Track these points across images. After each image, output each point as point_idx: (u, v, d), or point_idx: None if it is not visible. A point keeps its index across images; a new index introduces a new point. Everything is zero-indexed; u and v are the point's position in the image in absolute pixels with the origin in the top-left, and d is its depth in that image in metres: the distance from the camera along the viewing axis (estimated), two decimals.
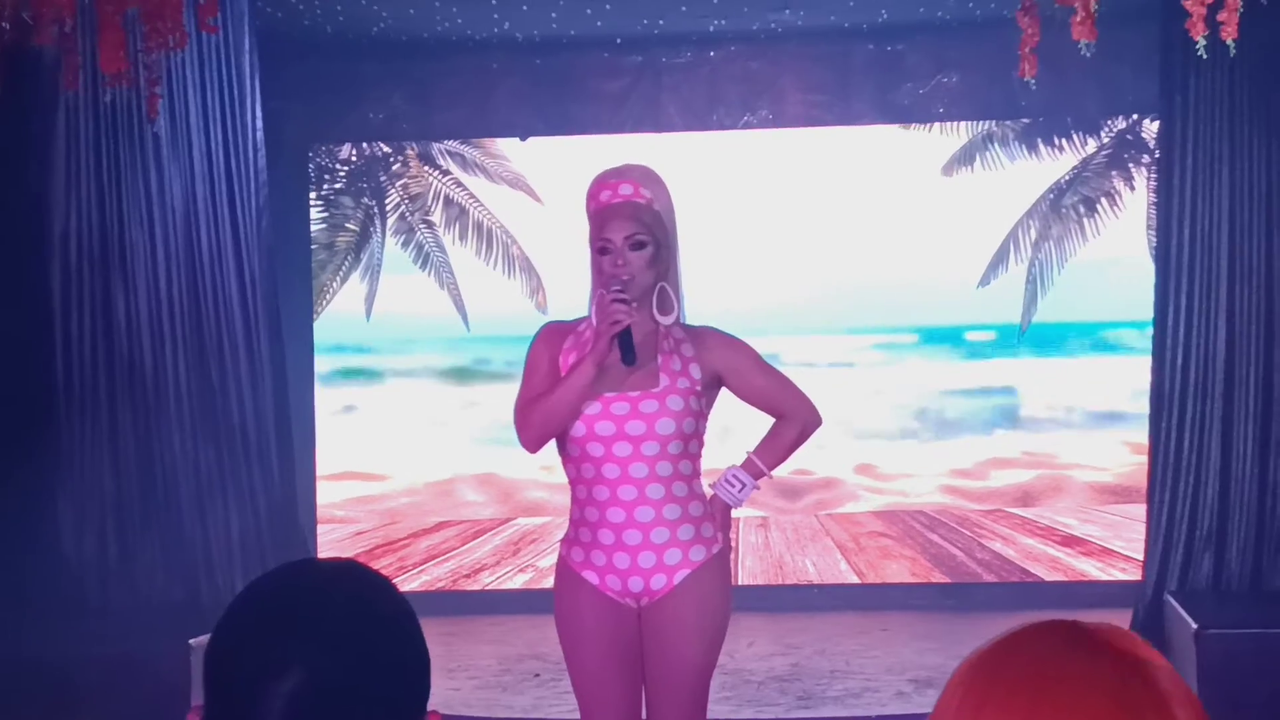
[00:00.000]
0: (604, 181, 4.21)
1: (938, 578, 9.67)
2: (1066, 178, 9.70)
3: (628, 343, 4.02)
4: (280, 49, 8.90)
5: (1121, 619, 7.57)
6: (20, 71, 7.06)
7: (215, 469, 8.11)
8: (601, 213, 4.17)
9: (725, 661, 4.80)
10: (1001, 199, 9.70)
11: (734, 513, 4.35)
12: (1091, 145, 9.69)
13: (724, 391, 4.33)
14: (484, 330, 9.98)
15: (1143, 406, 8.49)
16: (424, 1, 8.77)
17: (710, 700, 4.32)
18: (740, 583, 9.19)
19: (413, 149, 10.02)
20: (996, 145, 9.76)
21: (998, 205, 9.70)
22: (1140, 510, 8.59)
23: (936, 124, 9.73)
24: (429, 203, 10.00)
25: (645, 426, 4.10)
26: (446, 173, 9.99)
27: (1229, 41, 5.43)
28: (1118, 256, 9.62)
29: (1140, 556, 8.47)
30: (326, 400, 9.90)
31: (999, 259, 9.75)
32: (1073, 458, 9.84)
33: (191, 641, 6.63)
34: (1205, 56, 5.70)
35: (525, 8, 8.89)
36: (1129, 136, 9.67)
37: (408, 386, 10.12)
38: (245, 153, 8.31)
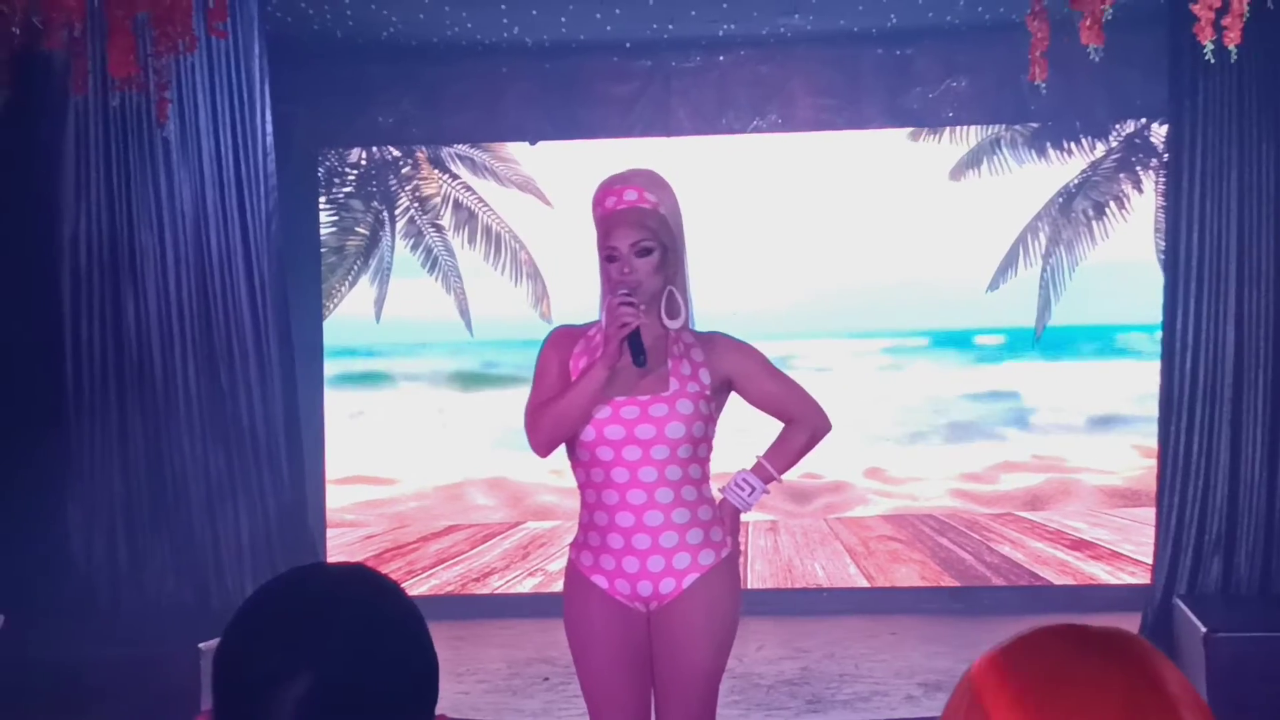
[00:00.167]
0: (609, 188, 4.21)
1: (947, 581, 9.67)
2: (1075, 182, 9.70)
3: (637, 344, 4.02)
4: (290, 53, 8.91)
5: (1130, 623, 7.56)
6: (30, 76, 7.08)
7: (225, 472, 8.12)
8: (607, 220, 4.17)
9: (734, 665, 4.80)
10: (1010, 203, 9.70)
11: (743, 516, 4.35)
12: (1100, 150, 9.68)
13: (733, 396, 4.33)
14: (494, 334, 9.98)
15: (1152, 410, 8.48)
16: (433, 6, 8.78)
17: (719, 704, 4.32)
18: (749, 586, 9.19)
19: (422, 152, 10.03)
20: (1005, 149, 9.76)
21: (1006, 209, 9.69)
22: (1149, 514, 8.58)
23: (946, 136, 9.73)
24: (438, 207, 10.01)
25: (655, 430, 4.10)
26: (456, 176, 10.01)
27: (1232, 47, 5.42)
28: (1127, 260, 9.61)
29: (1149, 560, 8.46)
30: (336, 404, 9.91)
31: (1008, 263, 9.74)
32: (1082, 461, 9.83)
33: (201, 645, 6.64)
34: (1213, 61, 5.70)
35: (535, 12, 8.89)
36: (1137, 140, 9.66)
37: (417, 390, 10.12)
38: (255, 157, 8.32)
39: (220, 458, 8.10)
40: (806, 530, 10.00)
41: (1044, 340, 9.77)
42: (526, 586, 9.77)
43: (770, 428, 4.40)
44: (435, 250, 10.00)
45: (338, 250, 10.00)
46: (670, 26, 9.26)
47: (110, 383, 7.87)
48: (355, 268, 9.99)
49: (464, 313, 9.97)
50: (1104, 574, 9.61)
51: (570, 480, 4.32)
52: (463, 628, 8.94)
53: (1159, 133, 9.46)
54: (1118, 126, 9.66)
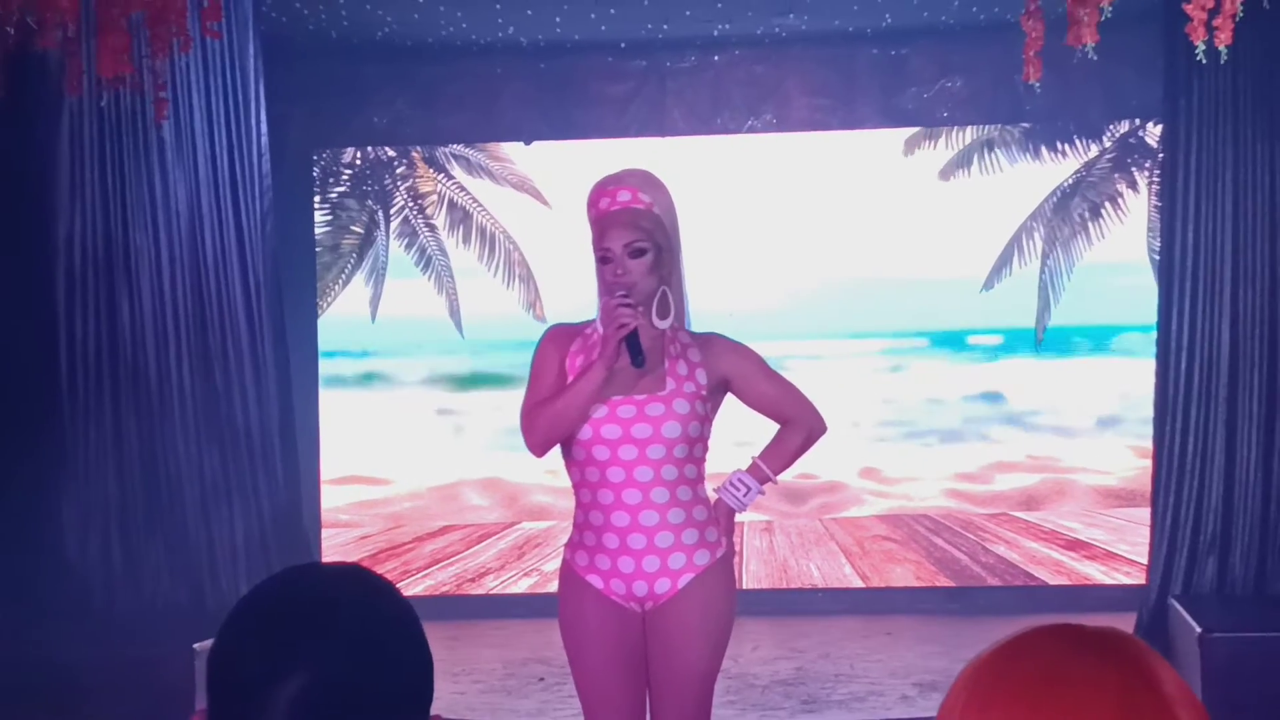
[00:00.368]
0: (603, 189, 4.21)
1: (942, 581, 9.67)
2: (1070, 182, 9.70)
3: (635, 345, 4.02)
4: (285, 53, 8.91)
5: (1126, 623, 7.56)
6: (24, 76, 7.07)
7: (219, 473, 8.11)
8: (602, 220, 4.17)
9: (729, 665, 4.79)
10: (1004, 203, 9.70)
11: (738, 517, 4.34)
12: (1094, 150, 9.68)
13: (729, 398, 4.33)
14: (489, 334, 9.98)
15: (1147, 410, 8.48)
16: (428, 6, 8.78)
17: (715, 704, 4.32)
18: (744, 587, 9.19)
19: (417, 152, 10.02)
20: (998, 149, 9.76)
21: (1000, 209, 9.70)
22: (1145, 514, 8.59)
23: (942, 142, 9.74)
24: (433, 206, 10.00)
25: (651, 430, 4.10)
26: (451, 176, 10.00)
27: (1222, 48, 5.43)
28: (1122, 260, 9.61)
29: (1144, 560, 8.46)
30: (331, 404, 9.90)
31: (1002, 263, 9.75)
32: (1077, 462, 9.83)
33: (195, 646, 6.63)
34: (1204, 61, 5.71)
35: (530, 12, 8.89)
36: (1132, 140, 9.67)
37: (412, 390, 10.12)
38: (250, 157, 8.32)
39: (215, 458, 8.10)
40: (802, 530, 10.00)
41: (1036, 340, 9.77)
42: (522, 587, 9.77)
43: (767, 430, 4.41)
44: (429, 250, 9.99)
45: (333, 250, 10.00)
46: (665, 27, 9.26)
47: (105, 383, 7.87)
48: (349, 266, 9.99)
49: (454, 313, 9.97)
50: (1099, 574, 9.61)
51: (565, 480, 4.31)
52: (458, 628, 8.94)
53: (1154, 133, 9.46)
54: (1112, 127, 9.66)
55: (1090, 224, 9.70)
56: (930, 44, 9.45)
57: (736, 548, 4.45)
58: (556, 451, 4.25)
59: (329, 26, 9.03)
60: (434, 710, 1.68)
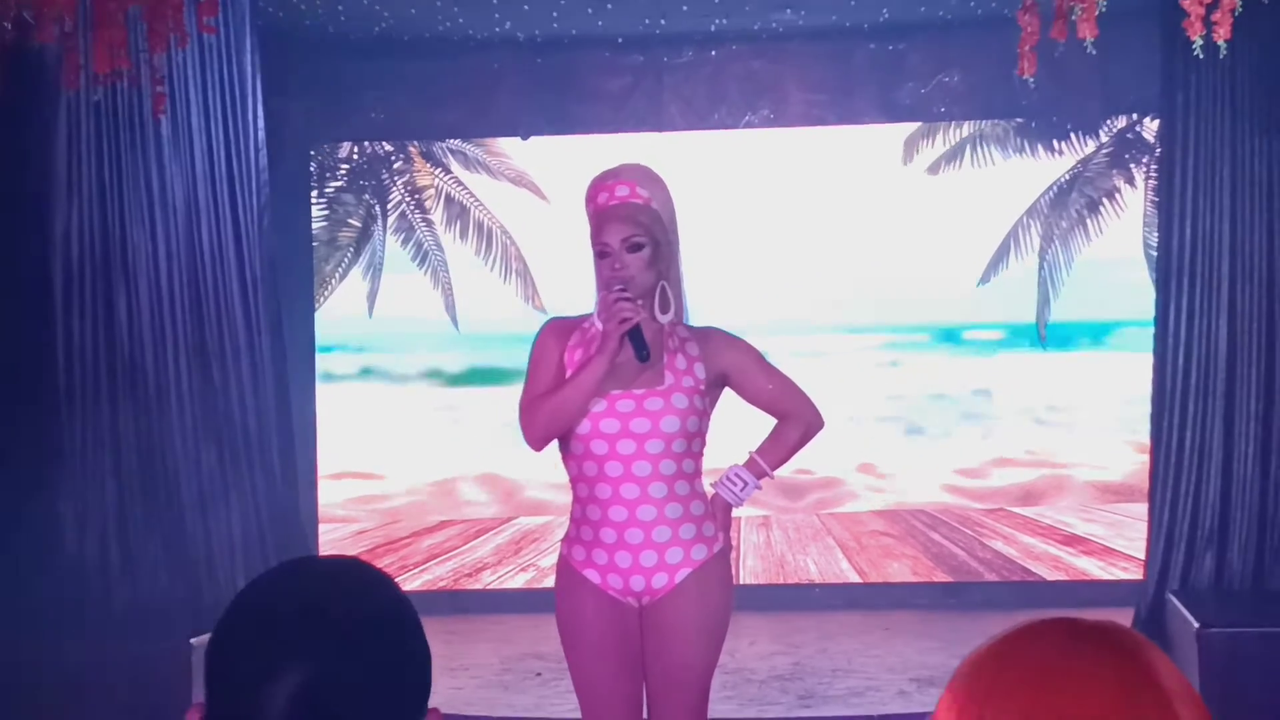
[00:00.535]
0: (601, 184, 4.21)
1: (939, 577, 9.67)
2: (1066, 177, 9.70)
3: (639, 340, 4.02)
4: (282, 48, 8.90)
5: (1123, 618, 7.57)
6: (21, 70, 7.06)
7: (216, 468, 8.11)
8: (600, 215, 4.17)
9: (726, 661, 4.80)
10: (1000, 198, 9.70)
11: (735, 512, 4.34)
12: (1090, 145, 9.68)
13: (727, 392, 4.33)
14: (486, 329, 9.98)
15: (1144, 405, 8.48)
16: (425, 1, 8.77)
17: (712, 699, 4.32)
18: (741, 582, 9.20)
19: (414, 146, 10.02)
20: (994, 144, 9.76)
21: (997, 203, 9.70)
22: (1142, 509, 8.59)
23: (939, 140, 9.74)
24: (430, 201, 10.00)
25: (650, 424, 4.10)
26: (448, 171, 10.00)
27: (1221, 42, 5.43)
28: (1119, 256, 9.61)
29: (1142, 555, 8.46)
30: (328, 399, 9.90)
31: (999, 257, 9.75)
32: (1074, 456, 9.84)
33: (193, 640, 6.63)
34: (1201, 56, 5.71)
35: (526, 7, 8.89)
36: (1129, 136, 9.67)
37: (409, 385, 10.12)
38: (247, 152, 8.31)
39: (212, 453, 8.09)
40: (799, 525, 10.01)
41: (1036, 335, 9.77)
42: (518, 582, 9.77)
43: (765, 424, 4.41)
44: (426, 245, 9.99)
45: (330, 244, 9.99)
46: (662, 21, 9.26)
47: (102, 378, 7.86)
48: (347, 262, 9.98)
49: (450, 308, 9.97)
50: (1097, 569, 9.61)
51: (562, 475, 4.31)
52: (455, 623, 8.94)
53: (1150, 128, 9.46)
54: (1109, 122, 9.66)
55: (1088, 219, 9.70)
56: (928, 39, 9.45)
57: (734, 543, 4.45)
58: (554, 446, 4.25)
59: (326, 21, 9.02)
60: (431, 704, 1.68)
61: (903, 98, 9.63)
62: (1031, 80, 6.05)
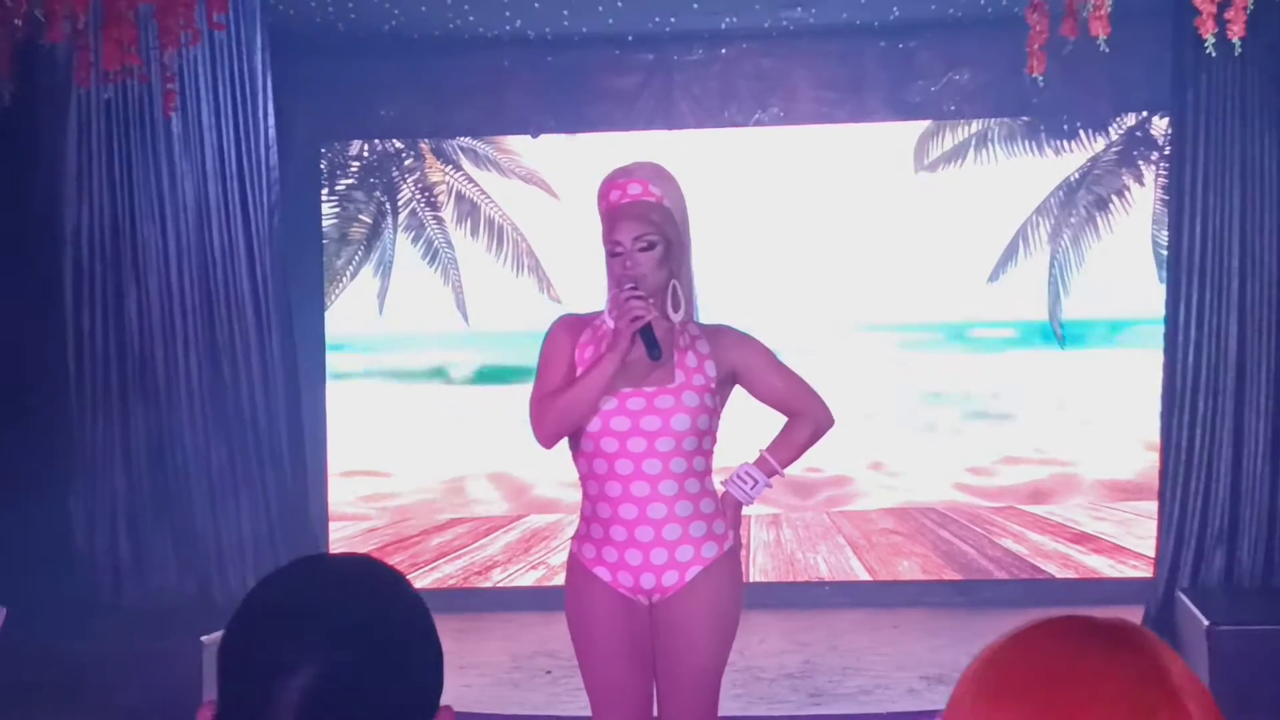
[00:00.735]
0: (613, 181, 4.22)
1: (949, 574, 9.66)
2: (1076, 175, 9.69)
3: (651, 338, 4.03)
4: (292, 46, 8.90)
5: (1133, 616, 7.56)
6: (33, 68, 7.08)
7: (227, 466, 8.12)
8: (611, 214, 4.17)
9: (736, 659, 4.80)
10: (1009, 194, 9.69)
11: (745, 510, 4.35)
12: (1100, 143, 9.67)
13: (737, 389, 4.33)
14: (496, 327, 9.97)
15: (1154, 404, 8.47)
16: None
17: (722, 697, 4.32)
18: (751, 580, 9.20)
19: (425, 144, 10.02)
20: (1004, 141, 9.75)
21: (1007, 200, 9.68)
22: (1152, 507, 8.57)
23: (948, 138, 9.73)
24: (440, 199, 10.00)
25: (661, 422, 4.10)
26: (459, 168, 10.00)
27: (1236, 40, 5.42)
28: (1129, 253, 9.60)
29: (1152, 553, 8.45)
30: (338, 397, 9.91)
31: (1009, 255, 9.73)
32: (1084, 454, 9.82)
33: (203, 638, 6.64)
34: (1214, 54, 5.70)
35: (537, 5, 8.89)
36: (1138, 134, 9.65)
37: (419, 383, 10.12)
38: (257, 150, 8.31)
39: (222, 451, 8.11)
40: (808, 523, 10.00)
41: (1047, 333, 9.76)
42: (528, 580, 9.77)
43: (775, 422, 4.41)
44: (436, 243, 9.99)
45: (340, 242, 9.99)
46: (672, 19, 9.26)
47: (112, 376, 7.88)
48: (357, 260, 9.99)
49: (461, 305, 9.96)
50: (1106, 567, 9.60)
51: (572, 473, 4.32)
52: (465, 621, 8.94)
53: (1159, 126, 9.45)
54: (1118, 120, 9.65)
55: (1097, 217, 9.69)
56: (938, 37, 9.44)
57: (743, 540, 4.45)
58: (564, 444, 4.25)
59: (336, 19, 9.02)
60: (442, 703, 1.68)
61: (913, 96, 9.62)
62: (1041, 79, 6.04)
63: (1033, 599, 8.93)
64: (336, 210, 10.00)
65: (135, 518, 7.92)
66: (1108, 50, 5.70)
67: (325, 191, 9.97)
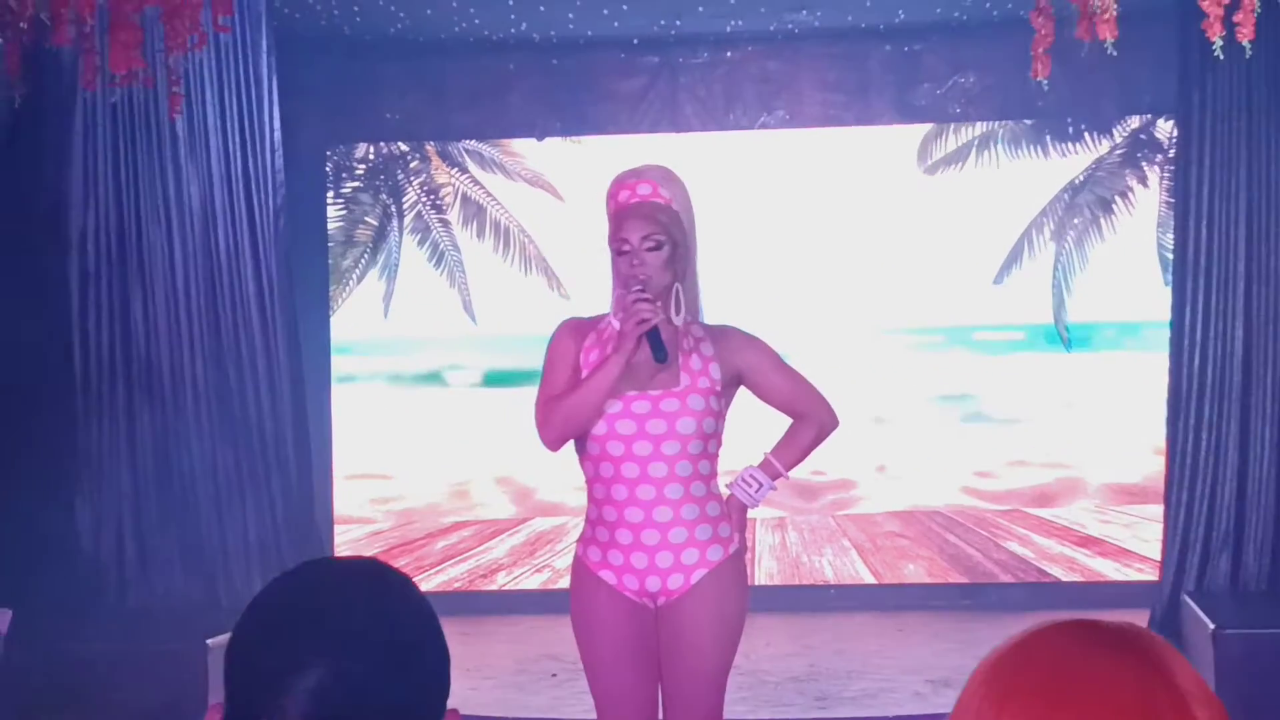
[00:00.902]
0: (623, 182, 4.22)
1: (955, 578, 9.66)
2: (1081, 178, 9.68)
3: (658, 340, 4.02)
4: (298, 50, 8.91)
5: (1139, 619, 7.54)
6: (39, 72, 7.08)
7: (233, 469, 8.13)
8: (620, 213, 4.17)
9: (742, 662, 4.79)
10: (1014, 197, 9.68)
11: (750, 513, 4.34)
12: (1104, 145, 9.66)
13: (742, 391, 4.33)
14: (501, 330, 9.97)
15: (1160, 407, 8.46)
16: (441, 2, 8.78)
17: (727, 701, 4.32)
18: (757, 583, 9.19)
19: (431, 147, 10.02)
20: (1008, 143, 9.74)
21: (1011, 203, 9.68)
22: (1158, 511, 8.58)
23: (951, 140, 9.73)
24: (446, 201, 10.00)
25: (666, 426, 4.10)
26: (464, 171, 10.00)
27: (1245, 43, 5.42)
28: (1134, 256, 9.59)
29: (1158, 557, 8.45)
30: (343, 400, 9.91)
31: (1013, 257, 9.72)
32: (1090, 458, 9.81)
33: (210, 641, 6.64)
34: (1221, 57, 5.70)
35: (542, 8, 8.89)
36: (1143, 136, 9.65)
37: (424, 386, 10.11)
38: (263, 153, 8.32)
39: (228, 454, 8.11)
40: (814, 527, 9.99)
41: (1053, 336, 9.75)
42: (534, 583, 9.77)
43: (780, 424, 4.41)
44: (442, 245, 9.99)
45: (345, 244, 10.00)
46: (678, 22, 9.26)
47: (118, 379, 7.89)
48: (363, 263, 9.99)
49: (467, 307, 9.97)
50: (1112, 570, 9.59)
51: (577, 476, 4.31)
52: (470, 624, 8.93)
53: (1164, 128, 9.45)
54: (1122, 122, 9.64)
55: (1101, 220, 9.68)
56: (943, 40, 9.45)
57: (749, 543, 4.45)
58: (569, 447, 4.25)
59: (342, 22, 9.03)
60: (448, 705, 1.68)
61: (918, 98, 9.63)
62: (1045, 82, 6.04)
63: (1039, 602, 8.93)
64: (342, 213, 10.01)
65: (141, 520, 7.93)
66: (1114, 54, 5.69)
67: (331, 194, 9.98)
